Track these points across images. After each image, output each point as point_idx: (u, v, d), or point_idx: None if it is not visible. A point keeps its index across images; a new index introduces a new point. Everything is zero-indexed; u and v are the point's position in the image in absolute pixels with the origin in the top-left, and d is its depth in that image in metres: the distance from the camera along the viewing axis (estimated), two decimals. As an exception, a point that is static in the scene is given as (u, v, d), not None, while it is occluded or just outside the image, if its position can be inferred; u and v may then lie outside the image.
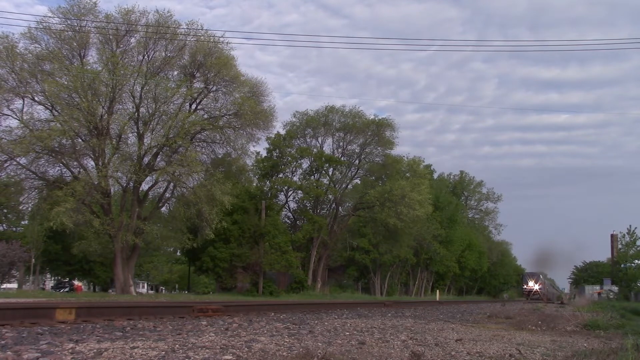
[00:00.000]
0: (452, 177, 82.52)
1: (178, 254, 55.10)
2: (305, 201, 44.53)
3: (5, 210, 47.40)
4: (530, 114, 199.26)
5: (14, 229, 48.89)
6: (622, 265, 58.11)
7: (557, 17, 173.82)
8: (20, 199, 32.36)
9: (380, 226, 42.18)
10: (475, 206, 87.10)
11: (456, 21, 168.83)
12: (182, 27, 30.06)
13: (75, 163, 28.72)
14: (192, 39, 30.21)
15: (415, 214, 39.22)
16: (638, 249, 55.62)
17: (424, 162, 50.09)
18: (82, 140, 28.17)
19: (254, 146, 36.49)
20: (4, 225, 49.37)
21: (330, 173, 45.31)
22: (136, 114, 29.25)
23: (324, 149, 44.84)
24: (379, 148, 44.16)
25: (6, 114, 27.24)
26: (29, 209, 34.14)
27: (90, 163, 28.97)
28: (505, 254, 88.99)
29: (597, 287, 66.90)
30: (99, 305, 10.15)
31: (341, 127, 44.20)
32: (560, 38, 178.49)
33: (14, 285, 46.17)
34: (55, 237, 42.56)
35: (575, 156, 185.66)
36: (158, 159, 30.04)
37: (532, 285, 65.58)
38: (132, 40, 29.59)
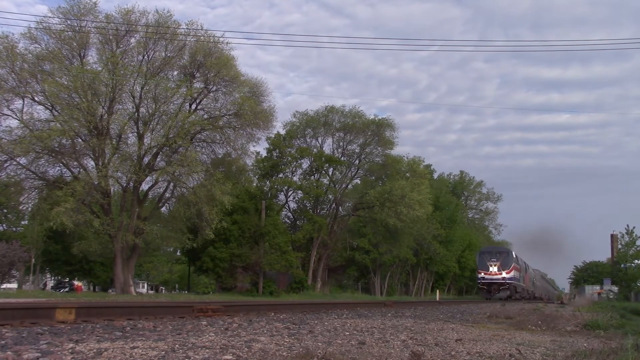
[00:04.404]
0: (452, 177, 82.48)
1: (178, 254, 55.11)
2: (305, 201, 44.56)
3: (5, 210, 47.44)
4: (531, 113, 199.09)
5: (14, 229, 48.90)
6: (622, 265, 58.00)
7: (559, 17, 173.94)
8: (20, 199, 32.43)
9: (380, 226, 42.19)
10: (475, 206, 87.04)
11: (458, 21, 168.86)
12: (182, 27, 30.17)
13: (75, 163, 28.77)
14: (192, 39, 30.27)
15: (415, 214, 39.23)
16: (638, 249, 55.54)
17: (424, 162, 50.11)
18: (82, 140, 28.22)
19: (254, 146, 36.54)
20: (4, 225, 49.40)
21: (330, 173, 45.35)
22: (136, 114, 29.29)
23: (324, 149, 44.90)
24: (379, 148, 44.22)
25: (6, 114, 27.35)
26: (29, 209, 34.20)
27: (90, 163, 29.07)
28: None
29: (597, 287, 66.72)
30: (99, 305, 10.14)
31: (341, 127, 44.22)
32: (563, 38, 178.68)
33: (14, 285, 46.22)
34: (55, 237, 42.56)
35: (576, 156, 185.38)
36: (158, 159, 30.11)
37: (495, 271, 38.75)
38: (132, 40, 29.70)
